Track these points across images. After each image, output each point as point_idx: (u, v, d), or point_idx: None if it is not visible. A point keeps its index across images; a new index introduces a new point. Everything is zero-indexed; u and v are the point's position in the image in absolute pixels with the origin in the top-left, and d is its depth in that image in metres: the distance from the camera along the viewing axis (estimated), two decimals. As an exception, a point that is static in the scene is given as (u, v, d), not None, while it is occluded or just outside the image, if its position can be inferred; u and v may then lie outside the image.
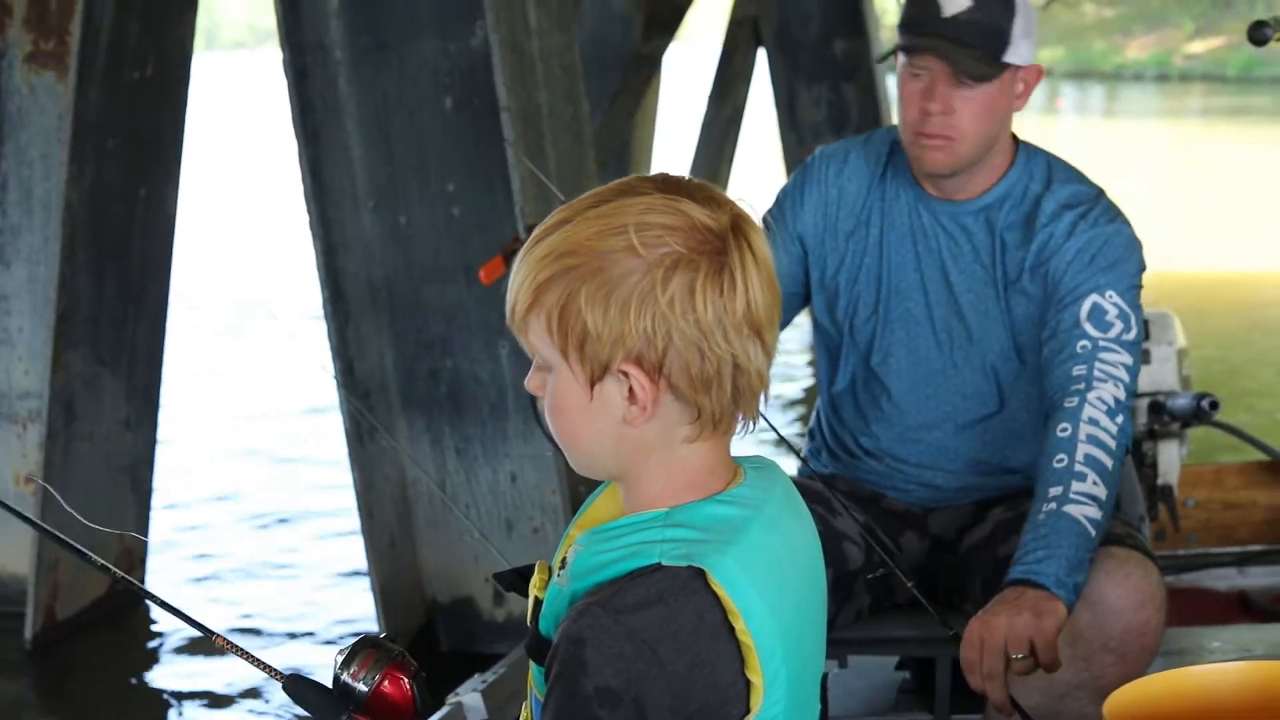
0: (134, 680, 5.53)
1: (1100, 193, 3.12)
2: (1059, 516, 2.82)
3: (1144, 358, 4.04)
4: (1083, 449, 2.87)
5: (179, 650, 5.73)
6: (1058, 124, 32.30)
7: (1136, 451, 3.98)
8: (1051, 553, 2.78)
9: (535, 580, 1.89)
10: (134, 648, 5.73)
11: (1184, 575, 4.20)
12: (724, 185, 9.51)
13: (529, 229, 4.86)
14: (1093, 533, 2.81)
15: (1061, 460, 2.87)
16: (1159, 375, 4.05)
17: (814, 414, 3.41)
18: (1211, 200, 18.03)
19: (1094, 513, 2.82)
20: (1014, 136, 3.16)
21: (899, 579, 3.10)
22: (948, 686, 3.16)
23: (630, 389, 1.76)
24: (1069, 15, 45.50)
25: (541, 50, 5.18)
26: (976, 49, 3.00)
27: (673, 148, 10.02)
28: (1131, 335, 2.99)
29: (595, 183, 5.50)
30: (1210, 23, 35.91)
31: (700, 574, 1.74)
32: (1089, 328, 2.98)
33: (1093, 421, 2.89)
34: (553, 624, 1.79)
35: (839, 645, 2.99)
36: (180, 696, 5.39)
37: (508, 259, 4.70)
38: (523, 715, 1.93)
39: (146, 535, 6.04)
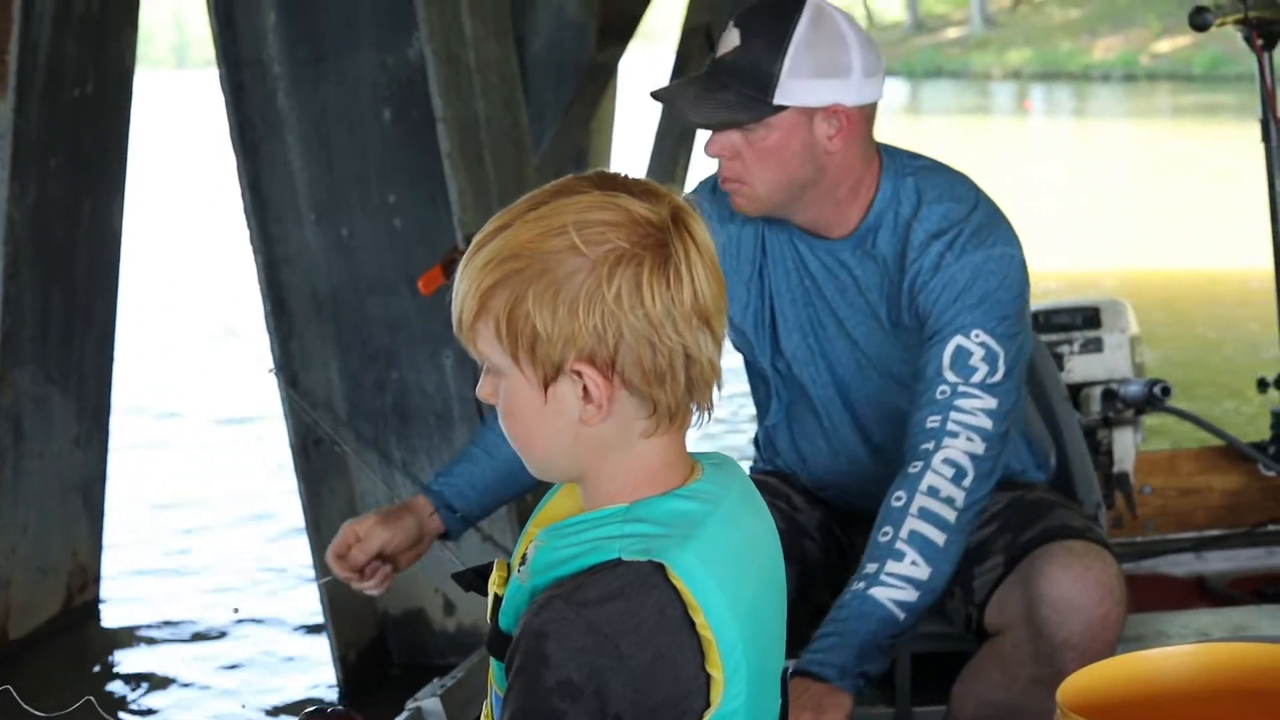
0: (88, 698, 5.52)
1: (975, 207, 3.00)
2: (863, 600, 2.80)
3: (1097, 346, 4.07)
4: (910, 524, 2.83)
5: (133, 671, 5.74)
6: (1026, 125, 32.37)
7: (1091, 439, 3.97)
8: (843, 640, 2.77)
9: (494, 577, 1.90)
10: (88, 667, 5.72)
11: (1142, 562, 4.21)
12: (679, 191, 9.54)
13: (468, 239, 4.87)
14: (900, 616, 2.78)
15: (886, 534, 2.84)
16: (1112, 363, 4.07)
17: (758, 428, 3.37)
18: (1180, 197, 18.10)
19: (906, 595, 2.79)
20: (881, 159, 3.04)
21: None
22: (908, 679, 3.20)
23: (585, 388, 1.77)
24: (1036, 17, 45.69)
25: (479, 60, 5.20)
26: (732, 92, 2.90)
27: (631, 155, 10.01)
28: (998, 377, 2.90)
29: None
30: (1177, 22, 35.95)
31: (660, 568, 1.75)
32: (949, 374, 2.90)
33: (932, 492, 2.84)
34: (513, 619, 1.80)
35: (798, 641, 2.94)
36: (136, 714, 5.39)
37: (446, 269, 4.73)
38: (484, 712, 1.93)
39: (100, 552, 6.04)
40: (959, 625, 3.06)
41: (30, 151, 5.39)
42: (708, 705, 1.77)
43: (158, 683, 5.61)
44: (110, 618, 6.11)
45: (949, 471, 2.85)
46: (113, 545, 6.30)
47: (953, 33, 48.63)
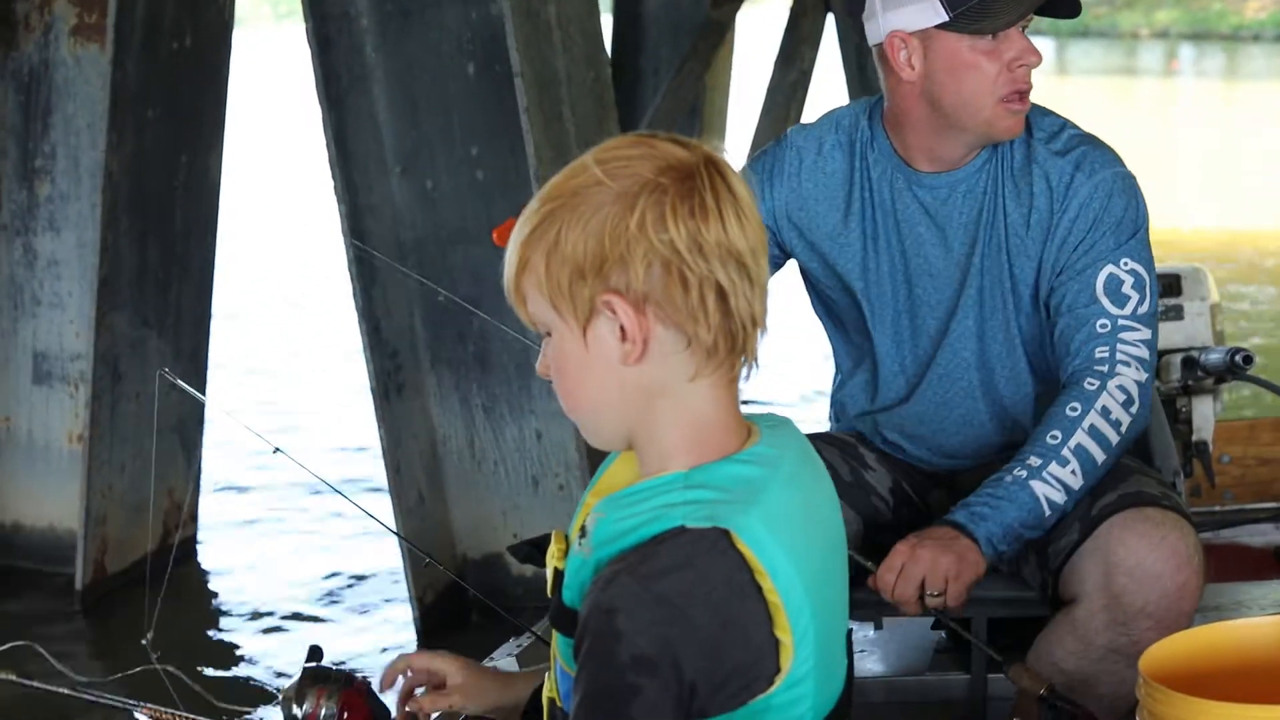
0: (181, 632, 5.71)
1: (1076, 127, 3.04)
2: (1022, 487, 2.84)
3: (1177, 313, 4.04)
4: (1079, 438, 2.87)
5: (228, 606, 5.93)
6: (1174, 86, 31.84)
7: (1170, 407, 3.96)
8: (996, 514, 2.82)
9: (553, 550, 1.88)
10: (184, 603, 5.90)
11: (1220, 531, 4.15)
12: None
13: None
14: (1047, 513, 2.83)
15: (1055, 438, 2.87)
16: (1192, 330, 4.02)
17: (831, 391, 3.36)
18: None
19: (1058, 497, 2.84)
20: None
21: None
22: (984, 645, 3.13)
23: (621, 327, 1.76)
24: (1185, -24, 44.90)
25: (560, 16, 5.28)
26: None
27: (745, 111, 10.04)
28: (1146, 306, 2.95)
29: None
30: (1333, -20, 35.27)
31: (725, 534, 1.73)
32: (1107, 304, 2.94)
33: (1104, 412, 2.88)
34: (577, 594, 1.80)
35: (874, 606, 2.98)
36: (227, 650, 5.57)
37: (522, 221, 4.85)
38: (546, 684, 1.94)
39: (197, 492, 6.24)
40: (1035, 591, 3.03)
41: (128, 103, 5.58)
42: (777, 670, 1.76)
43: (250, 620, 5.79)
44: (206, 555, 6.30)
45: (1121, 397, 2.89)
46: (210, 487, 6.47)
47: (1101, -9, 47.93)
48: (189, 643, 5.53)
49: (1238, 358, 3.90)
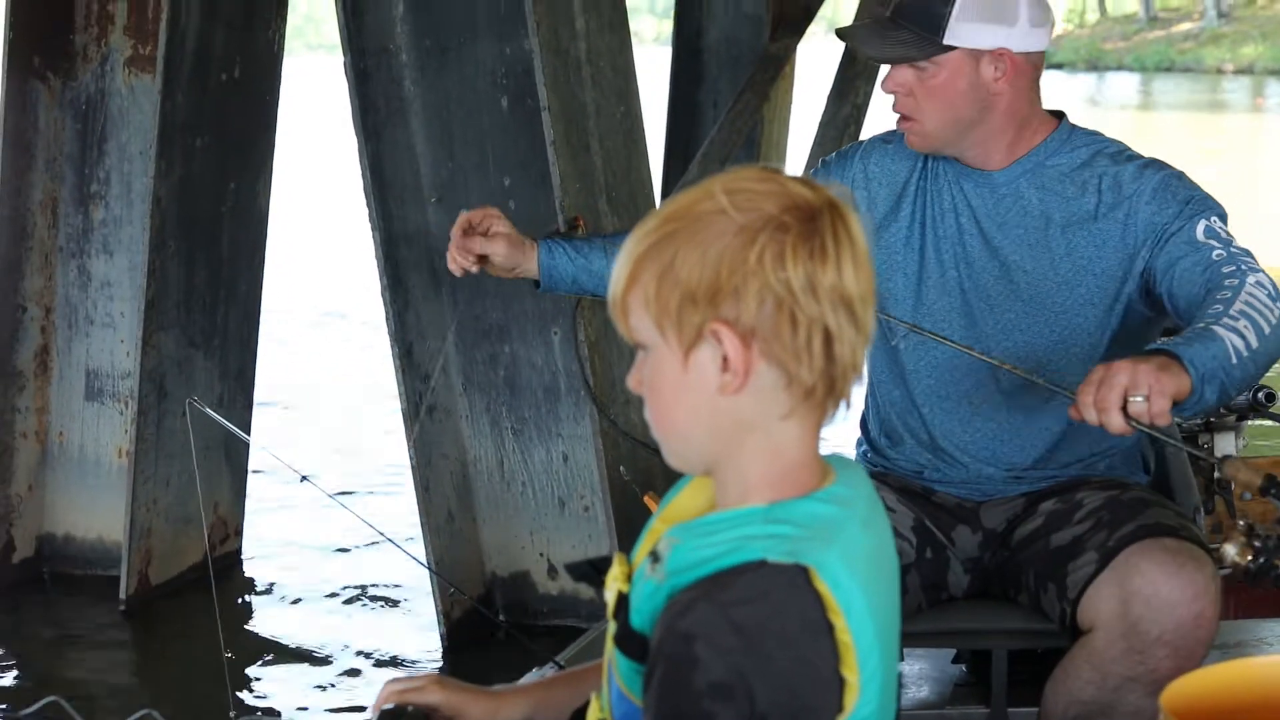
0: (224, 644, 5.87)
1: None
2: (1207, 331, 2.73)
3: None
4: (1240, 305, 2.79)
5: (269, 618, 6.11)
6: (1261, 124, 31.61)
7: (1192, 442, 3.96)
8: (1190, 343, 2.68)
9: (616, 573, 1.87)
10: (225, 615, 6.06)
11: None
12: (839, 183, 9.66)
13: (568, 222, 5.18)
14: (1234, 359, 2.69)
15: (1218, 307, 2.79)
16: None
17: (863, 409, 3.39)
18: None
19: (1240, 345, 2.71)
20: (1057, 116, 3.18)
21: (951, 574, 3.16)
22: (1004, 679, 3.14)
23: (724, 356, 1.75)
24: (1271, 11, 44.62)
25: (590, 52, 5.45)
26: (905, 31, 3.05)
27: (802, 144, 10.15)
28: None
29: (647, 180, 5.79)
30: None
31: (804, 571, 1.73)
32: (1214, 244, 2.94)
33: (1254, 296, 2.81)
34: (648, 619, 1.78)
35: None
36: (268, 663, 5.73)
37: (547, 249, 5.00)
38: (594, 703, 1.94)
39: (242, 507, 6.44)
40: (1054, 621, 3.02)
41: (176, 132, 5.79)
42: (840, 710, 1.75)
43: (292, 632, 5.97)
44: (251, 570, 6.49)
45: (1264, 291, 2.83)
46: (256, 504, 6.66)
47: (1186, 26, 47.73)
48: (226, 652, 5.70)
49: (1261, 395, 3.92)
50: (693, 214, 1.76)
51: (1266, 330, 2.77)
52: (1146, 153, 3.18)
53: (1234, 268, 2.89)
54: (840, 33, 3.20)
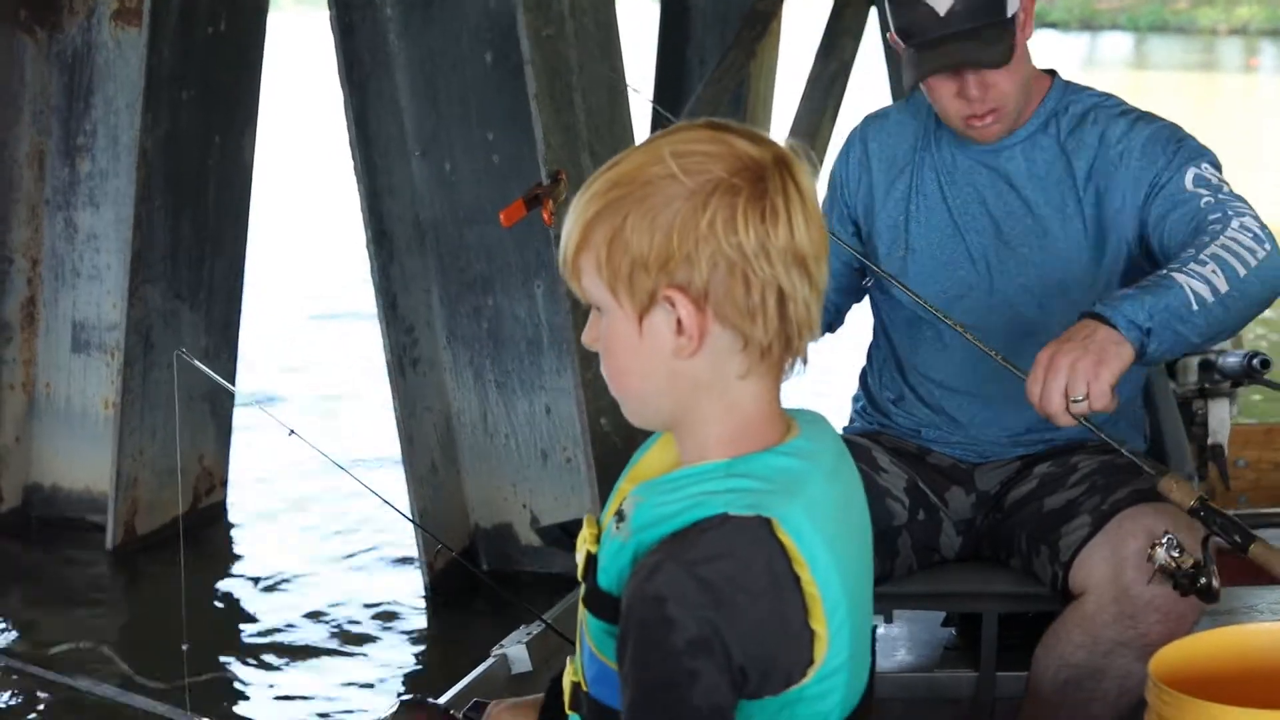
0: (207, 592, 5.93)
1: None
2: (1164, 276, 2.74)
3: None
4: (1214, 249, 2.78)
5: (254, 570, 6.16)
6: (1255, 83, 31.57)
7: (1186, 410, 3.93)
8: (1137, 295, 2.71)
9: (585, 535, 1.87)
10: (209, 564, 6.12)
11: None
12: (825, 140, 9.65)
13: (551, 175, 5.20)
14: (1194, 305, 2.70)
15: (1189, 252, 2.80)
16: None
17: (862, 367, 3.40)
18: None
19: (1203, 290, 2.72)
20: (1049, 74, 3.17)
21: (944, 535, 3.15)
22: (994, 644, 3.13)
23: (678, 320, 1.75)
24: (1265, -29, 44.52)
25: (573, 6, 5.46)
26: (986, 28, 2.97)
27: (789, 101, 10.16)
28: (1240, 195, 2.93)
29: (629, 135, 5.82)
30: None
31: (767, 523, 1.73)
32: (1201, 190, 2.93)
33: (1234, 239, 2.80)
34: (614, 578, 1.79)
35: (886, 600, 2.98)
36: (251, 615, 5.78)
37: (528, 203, 5.02)
38: (569, 666, 1.94)
39: (227, 459, 6.49)
40: (1046, 584, 3.01)
41: (162, 85, 5.82)
42: (810, 661, 1.76)
43: (275, 585, 6.02)
44: (236, 521, 6.55)
45: (1248, 234, 2.82)
46: (239, 453, 6.71)
47: (1181, -14, 47.61)
48: (209, 601, 5.78)
49: (1255, 361, 3.91)
50: (641, 178, 1.75)
51: (1242, 272, 2.76)
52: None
53: (1220, 214, 2.88)
54: (933, 71, 3.01)
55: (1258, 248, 2.80)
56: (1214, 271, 2.74)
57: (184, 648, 3.44)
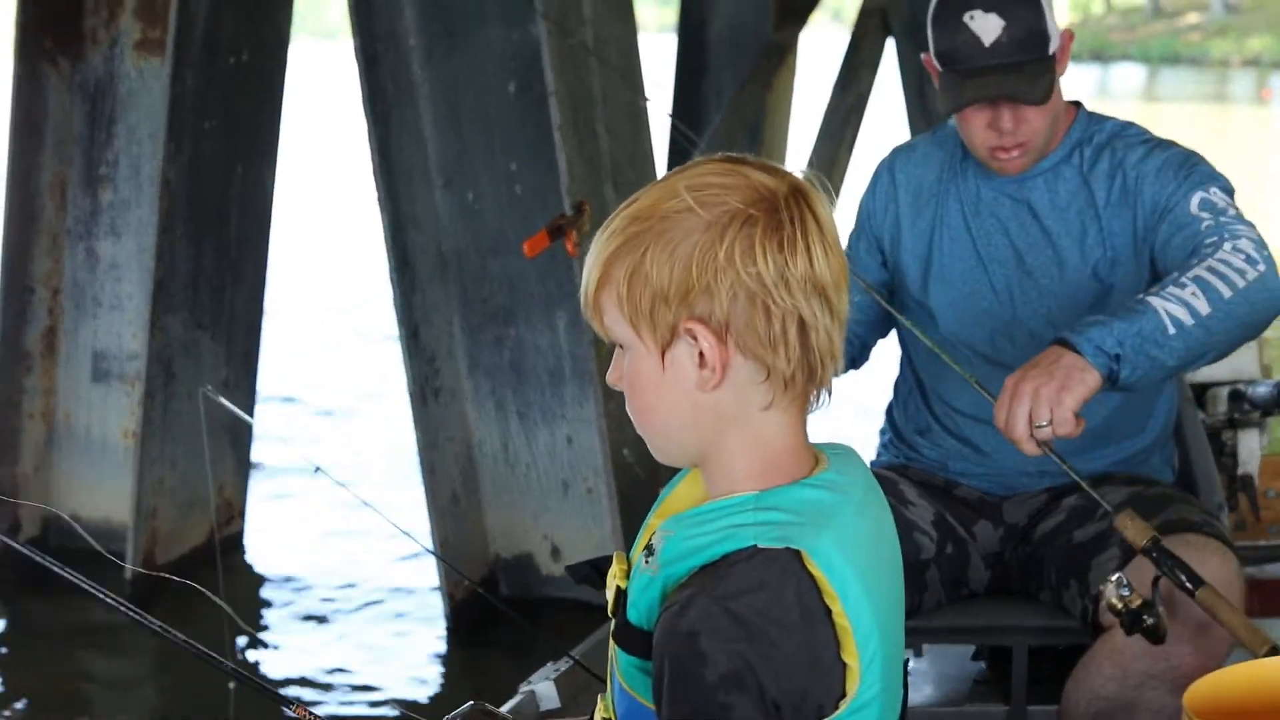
0: (226, 622, 5.90)
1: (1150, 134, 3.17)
2: (1139, 302, 2.76)
3: None
4: (1199, 272, 2.79)
5: (273, 601, 6.15)
6: (1268, 115, 31.55)
7: (1215, 441, 3.93)
8: (1107, 322, 2.73)
9: (615, 570, 1.87)
10: (227, 597, 6.09)
11: (1265, 566, 4.00)
12: (842, 171, 9.69)
13: (575, 207, 5.20)
14: (1170, 330, 2.72)
15: (1173, 276, 2.81)
16: (1239, 363, 3.98)
17: (889, 401, 3.42)
18: None
19: (1180, 314, 2.74)
20: (1074, 105, 3.21)
21: (972, 569, 3.16)
22: (1024, 677, 3.12)
23: (700, 353, 1.75)
24: (1277, 3, 44.53)
25: (596, 38, 5.48)
26: (1030, 63, 3.01)
27: (806, 133, 10.18)
28: (1245, 219, 2.93)
29: (651, 167, 5.82)
30: None
31: (797, 555, 1.73)
32: (1204, 214, 2.94)
33: (1223, 261, 2.81)
34: (644, 613, 1.79)
35: (916, 634, 3.00)
36: (272, 646, 5.77)
37: (551, 234, 5.02)
38: (600, 703, 1.93)
39: (246, 490, 6.47)
40: (1076, 617, 3.02)
41: (185, 115, 5.82)
42: (843, 695, 1.75)
43: (297, 616, 6.01)
44: (254, 553, 6.53)
45: (1240, 256, 2.82)
46: (259, 486, 6.69)
47: (1192, 18, 47.68)
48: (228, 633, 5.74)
49: None
50: (659, 213, 1.75)
51: (1227, 294, 2.77)
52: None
53: (1216, 236, 2.89)
54: (971, 100, 3.04)
55: (1249, 269, 2.81)
56: (1194, 294, 2.76)
57: (231, 686, 3.39)
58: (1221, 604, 2.70)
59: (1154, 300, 2.75)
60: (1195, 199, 2.98)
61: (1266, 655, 2.57)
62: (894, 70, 10.16)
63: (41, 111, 6.09)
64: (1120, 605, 2.66)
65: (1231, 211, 2.95)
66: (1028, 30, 3.02)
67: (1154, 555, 2.72)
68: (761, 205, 1.74)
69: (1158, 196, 3.04)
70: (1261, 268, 2.82)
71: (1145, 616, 2.66)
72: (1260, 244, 2.87)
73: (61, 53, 6.08)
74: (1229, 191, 3.01)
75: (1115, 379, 2.72)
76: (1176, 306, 2.74)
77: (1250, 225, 2.93)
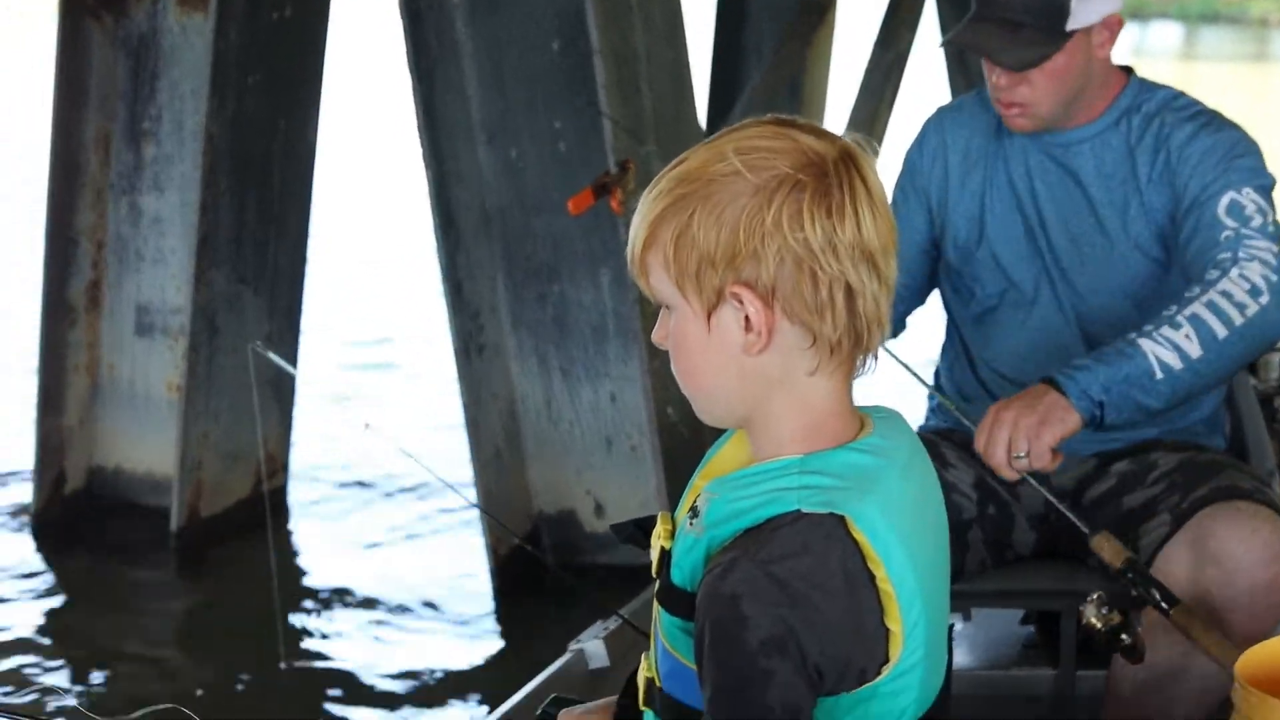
0: (269, 575, 5.93)
1: (1198, 102, 3.15)
2: (1128, 343, 2.80)
3: None
4: (1195, 309, 2.82)
5: (318, 555, 6.20)
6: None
7: (1267, 407, 3.89)
8: (1096, 366, 2.78)
9: (659, 531, 1.88)
10: (274, 546, 6.12)
11: None
12: (882, 130, 9.67)
13: (619, 165, 5.20)
14: (1158, 374, 2.77)
15: (1170, 311, 2.83)
16: None
17: (936, 365, 3.42)
18: None
19: (1170, 359, 2.78)
20: (1125, 71, 3.17)
21: (1017, 530, 3.15)
22: (1073, 642, 3.11)
23: (746, 316, 1.76)
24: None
25: (640, -4, 5.47)
26: (1032, 29, 3.02)
27: (845, 91, 10.15)
28: (1273, 229, 2.92)
29: (694, 125, 5.82)
30: None
31: (841, 521, 1.73)
32: (1228, 221, 2.93)
33: (1225, 295, 2.83)
34: (687, 574, 1.80)
35: (963, 598, 3.00)
36: (316, 600, 5.80)
37: (596, 191, 5.02)
38: (644, 662, 1.94)
39: (289, 443, 6.51)
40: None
41: (228, 70, 5.83)
42: (885, 660, 1.76)
43: (327, 567, 6.06)
44: (297, 506, 6.57)
45: (1245, 285, 2.83)
46: (302, 440, 6.72)
47: (1232, -24, 47.32)
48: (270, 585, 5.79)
49: None
50: (706, 175, 1.76)
51: (1222, 333, 2.81)
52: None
53: (1229, 254, 2.89)
54: (954, 41, 3.11)
55: (1250, 302, 2.83)
56: (1187, 336, 2.80)
57: (280, 652, 3.42)
58: (1194, 622, 2.72)
59: (1144, 343, 2.80)
60: (1225, 201, 2.96)
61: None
62: (934, 29, 10.15)
63: (85, 67, 6.10)
64: (1099, 624, 2.71)
65: (1257, 221, 2.93)
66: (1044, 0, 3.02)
67: (1129, 575, 2.76)
68: (810, 170, 1.73)
69: (1193, 186, 3.02)
70: (1264, 299, 2.84)
71: (1123, 635, 2.71)
72: (1272, 269, 2.87)
73: (105, 8, 6.09)
74: (1266, 191, 2.99)
75: (1097, 423, 2.80)
76: (1167, 351, 2.79)
77: (1272, 239, 2.92)
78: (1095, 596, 2.70)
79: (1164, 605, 2.73)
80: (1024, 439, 2.76)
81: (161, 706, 2.31)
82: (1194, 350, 2.79)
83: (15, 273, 9.48)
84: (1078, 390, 2.77)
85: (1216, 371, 2.84)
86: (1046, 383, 2.80)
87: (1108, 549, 2.78)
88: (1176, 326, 2.80)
